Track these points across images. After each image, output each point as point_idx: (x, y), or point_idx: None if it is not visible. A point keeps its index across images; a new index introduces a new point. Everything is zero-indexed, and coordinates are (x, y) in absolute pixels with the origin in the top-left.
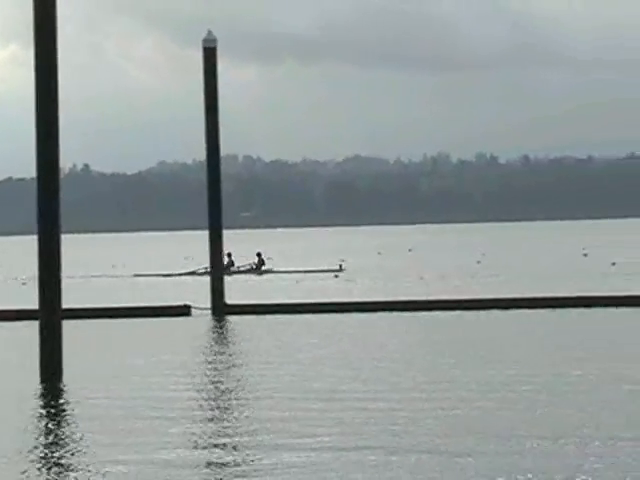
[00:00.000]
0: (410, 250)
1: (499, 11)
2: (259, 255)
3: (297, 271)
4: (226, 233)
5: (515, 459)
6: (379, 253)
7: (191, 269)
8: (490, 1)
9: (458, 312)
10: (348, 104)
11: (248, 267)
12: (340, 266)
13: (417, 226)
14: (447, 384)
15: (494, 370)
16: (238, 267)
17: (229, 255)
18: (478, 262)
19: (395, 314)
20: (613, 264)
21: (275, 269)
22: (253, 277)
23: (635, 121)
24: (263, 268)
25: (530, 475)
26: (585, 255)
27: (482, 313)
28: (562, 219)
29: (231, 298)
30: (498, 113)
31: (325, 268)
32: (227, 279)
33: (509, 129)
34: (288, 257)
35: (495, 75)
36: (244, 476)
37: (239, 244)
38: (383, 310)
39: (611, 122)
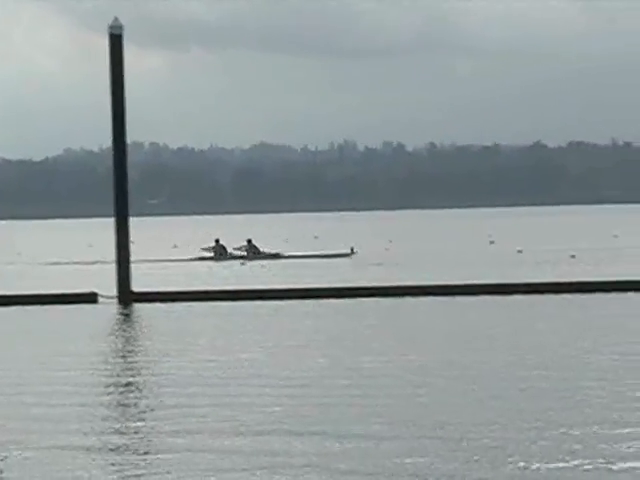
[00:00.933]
0: (316, 237)
1: None
2: (249, 241)
3: (303, 256)
4: (133, 220)
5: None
6: (286, 241)
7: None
8: None
9: (374, 299)
10: (254, 91)
11: (243, 253)
12: (352, 249)
13: (324, 214)
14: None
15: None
16: (230, 253)
17: (217, 241)
18: (386, 249)
19: (308, 301)
20: (519, 252)
21: (282, 254)
22: (253, 263)
23: (541, 110)
24: (262, 253)
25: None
26: (491, 243)
27: (397, 300)
28: (469, 207)
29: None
30: (405, 101)
31: (335, 252)
32: (218, 265)
33: (416, 117)
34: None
35: (402, 63)
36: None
37: (146, 231)
38: (295, 298)
39: (518, 111)
